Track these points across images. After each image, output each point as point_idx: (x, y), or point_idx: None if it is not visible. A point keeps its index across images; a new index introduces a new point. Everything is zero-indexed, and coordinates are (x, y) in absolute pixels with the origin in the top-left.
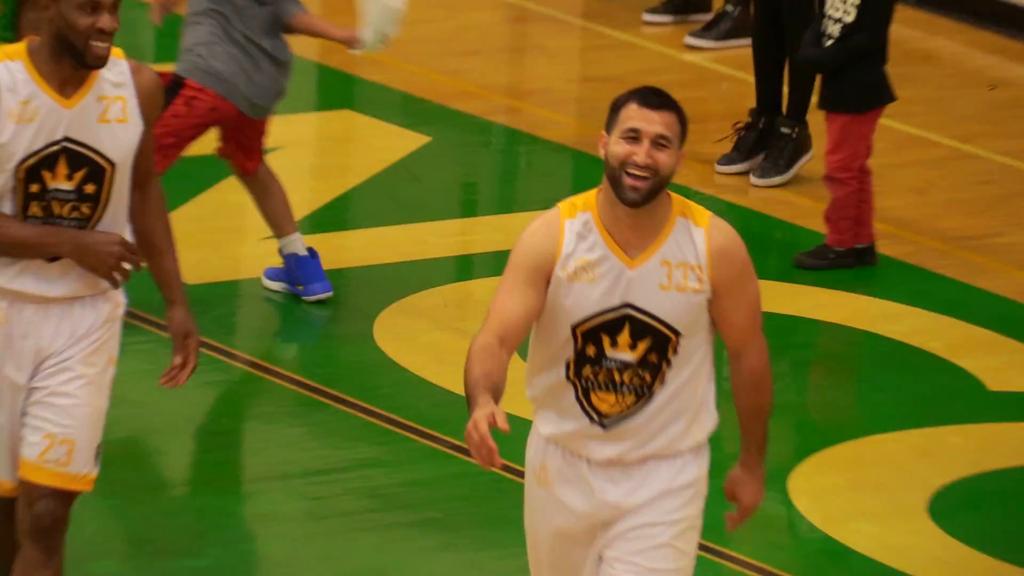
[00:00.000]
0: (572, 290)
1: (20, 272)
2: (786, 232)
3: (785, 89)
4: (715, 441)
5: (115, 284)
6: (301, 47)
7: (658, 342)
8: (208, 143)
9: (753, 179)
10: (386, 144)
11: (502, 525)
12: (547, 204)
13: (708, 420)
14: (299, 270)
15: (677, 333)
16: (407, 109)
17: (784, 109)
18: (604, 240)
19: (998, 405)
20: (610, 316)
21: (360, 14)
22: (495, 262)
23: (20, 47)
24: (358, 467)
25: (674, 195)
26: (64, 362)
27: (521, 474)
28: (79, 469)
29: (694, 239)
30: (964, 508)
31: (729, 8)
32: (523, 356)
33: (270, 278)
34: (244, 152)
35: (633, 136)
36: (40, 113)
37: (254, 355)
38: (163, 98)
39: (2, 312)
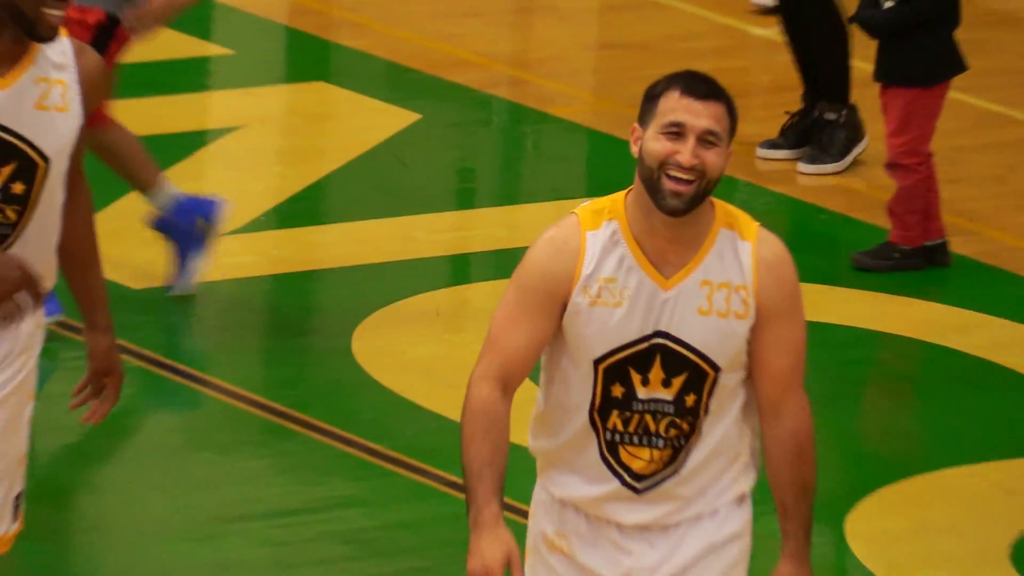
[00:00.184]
0: (593, 317)
1: None
2: (841, 227)
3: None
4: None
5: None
6: (267, 7)
7: (694, 379)
8: (159, 123)
9: (801, 167)
10: (367, 122)
11: None
12: (558, 194)
13: (752, 472)
14: (188, 214)
15: (716, 368)
16: (392, 81)
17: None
18: (634, 255)
19: None
20: (640, 347)
21: None
22: (496, 262)
23: None
24: (333, 507)
25: (718, 202)
26: None
27: (522, 512)
28: None
29: (739, 254)
30: None
31: None
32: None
33: (183, 265)
34: None
35: (676, 131)
36: None
37: (209, 373)
38: (104, 86)
39: None
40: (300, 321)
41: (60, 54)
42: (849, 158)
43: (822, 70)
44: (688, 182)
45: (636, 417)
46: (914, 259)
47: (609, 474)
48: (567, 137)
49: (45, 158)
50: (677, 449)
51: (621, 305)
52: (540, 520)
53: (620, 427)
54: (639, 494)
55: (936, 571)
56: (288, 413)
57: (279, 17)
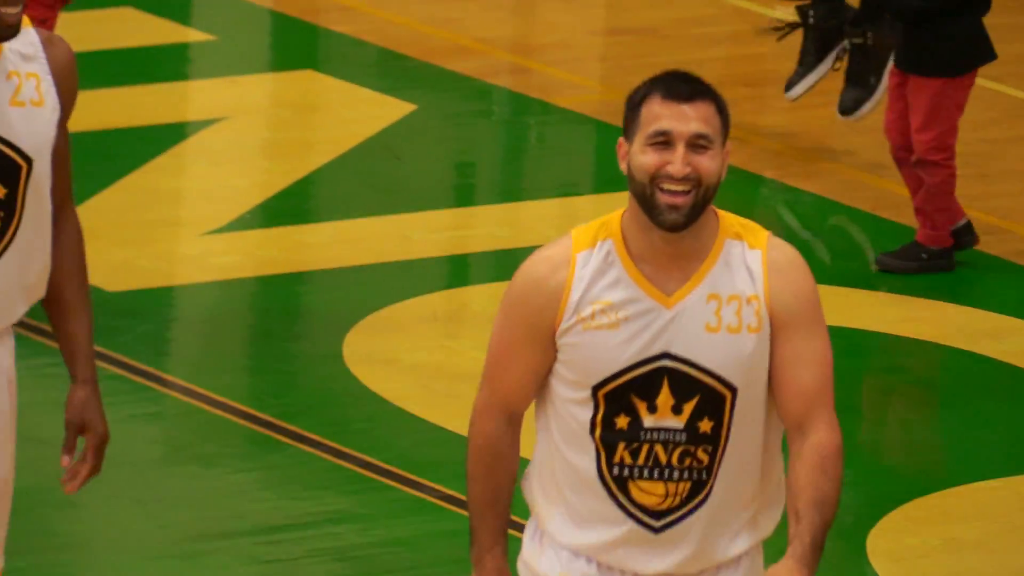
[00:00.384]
0: (588, 340)
1: None
2: (866, 225)
3: None
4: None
5: None
6: None
7: (708, 402)
8: (135, 114)
9: (843, 118)
10: (359, 114)
11: None
12: (563, 190)
13: (777, 510)
14: None
15: (732, 388)
16: (385, 69)
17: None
18: (630, 274)
19: None
20: (642, 371)
21: None
22: (496, 263)
23: None
24: (324, 522)
25: (724, 212)
26: None
27: (523, 528)
28: None
29: (748, 263)
30: None
31: None
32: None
33: None
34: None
35: (663, 141)
36: None
37: (193, 382)
38: (77, 78)
39: None
40: (288, 326)
41: (28, 45)
42: (884, 81)
43: None
44: (684, 193)
45: (645, 448)
46: (942, 260)
47: (621, 514)
48: (572, 129)
49: (27, 158)
50: (697, 482)
51: (617, 327)
52: (544, 568)
53: (628, 460)
54: (657, 533)
55: None
56: (275, 424)
57: (264, 0)
